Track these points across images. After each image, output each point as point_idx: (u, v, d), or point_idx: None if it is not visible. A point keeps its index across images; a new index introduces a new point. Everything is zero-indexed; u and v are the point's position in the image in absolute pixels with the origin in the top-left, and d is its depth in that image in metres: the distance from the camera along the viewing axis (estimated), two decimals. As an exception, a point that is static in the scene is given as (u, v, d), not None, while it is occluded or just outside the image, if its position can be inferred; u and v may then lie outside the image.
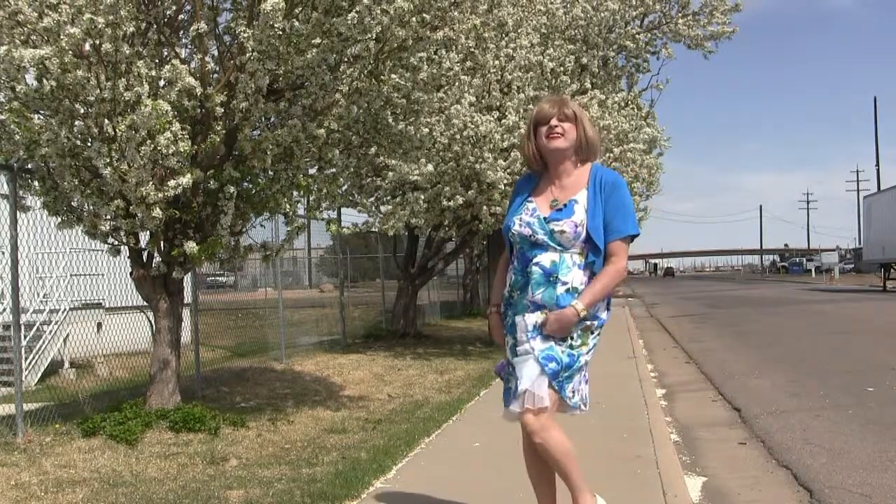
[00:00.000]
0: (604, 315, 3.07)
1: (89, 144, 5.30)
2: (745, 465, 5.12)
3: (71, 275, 11.25)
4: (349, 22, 5.43)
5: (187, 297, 7.03)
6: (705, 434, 6.09)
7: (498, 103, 10.39)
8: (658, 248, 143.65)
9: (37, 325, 10.32)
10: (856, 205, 71.92)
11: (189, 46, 6.53)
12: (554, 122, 3.02)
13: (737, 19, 12.03)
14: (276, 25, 5.28)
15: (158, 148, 5.17)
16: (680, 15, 12.10)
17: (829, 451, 5.19)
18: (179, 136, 5.25)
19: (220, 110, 5.71)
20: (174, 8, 6.21)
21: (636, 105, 12.24)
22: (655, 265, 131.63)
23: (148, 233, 5.95)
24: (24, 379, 7.09)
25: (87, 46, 4.94)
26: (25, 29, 4.95)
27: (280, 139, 6.04)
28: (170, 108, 5.19)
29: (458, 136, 9.75)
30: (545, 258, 2.98)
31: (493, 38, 9.75)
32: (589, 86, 11.22)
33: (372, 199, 11.28)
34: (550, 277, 2.96)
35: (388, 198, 11.03)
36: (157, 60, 6.00)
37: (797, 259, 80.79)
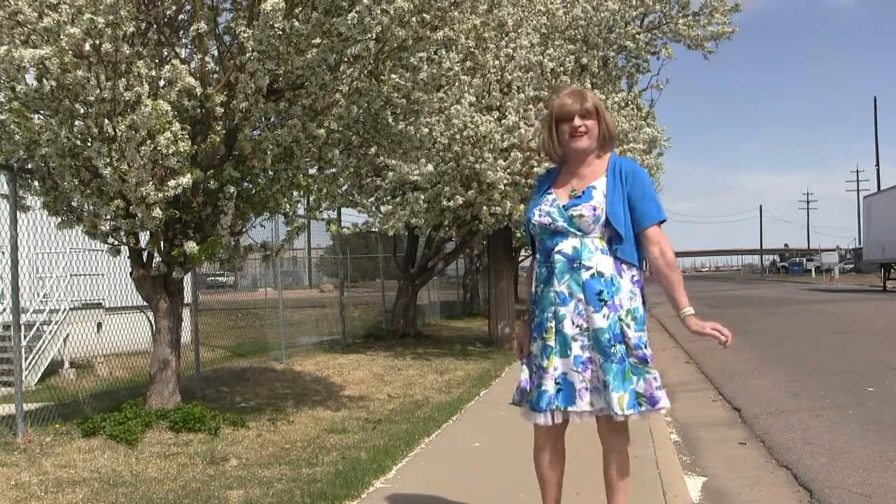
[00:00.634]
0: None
1: (89, 144, 5.30)
2: (745, 465, 5.12)
3: (71, 275, 11.24)
4: (349, 22, 5.43)
5: (187, 297, 7.03)
6: (705, 434, 6.09)
7: (498, 103, 10.39)
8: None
9: (37, 325, 10.31)
10: (856, 205, 72.00)
11: (189, 46, 6.53)
12: (577, 121, 2.95)
13: (737, 19, 12.00)
14: (276, 25, 5.28)
15: (158, 148, 5.17)
16: (680, 15, 12.07)
17: (829, 451, 5.19)
18: (179, 136, 5.25)
19: (220, 110, 5.71)
20: (174, 8, 6.20)
21: (636, 105, 12.22)
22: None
23: (148, 233, 5.94)
24: (24, 379, 7.09)
25: (87, 46, 4.94)
26: (25, 29, 4.95)
27: (280, 139, 6.04)
28: (170, 108, 5.18)
29: (458, 136, 9.75)
30: (566, 245, 2.93)
31: (493, 38, 9.75)
32: (589, 86, 11.19)
33: (372, 199, 11.27)
34: (574, 264, 2.91)
35: (388, 198, 11.02)
36: (157, 60, 6.00)
37: (797, 259, 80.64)
